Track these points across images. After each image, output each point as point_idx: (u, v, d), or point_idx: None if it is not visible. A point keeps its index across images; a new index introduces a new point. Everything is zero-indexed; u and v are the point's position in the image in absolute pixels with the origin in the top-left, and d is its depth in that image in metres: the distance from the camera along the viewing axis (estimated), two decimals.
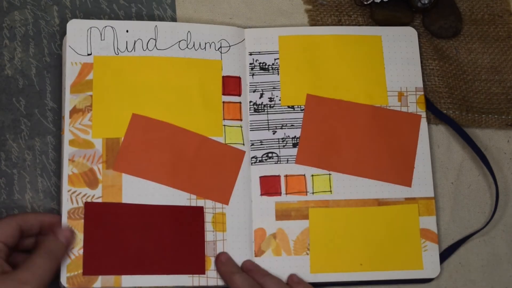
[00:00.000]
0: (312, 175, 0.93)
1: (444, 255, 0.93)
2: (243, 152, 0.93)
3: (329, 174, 0.93)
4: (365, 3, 0.98)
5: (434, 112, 0.96)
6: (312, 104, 0.95)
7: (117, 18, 0.97)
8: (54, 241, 0.84)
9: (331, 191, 0.93)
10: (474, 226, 0.95)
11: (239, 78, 0.95)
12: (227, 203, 0.91)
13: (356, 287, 0.92)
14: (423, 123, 0.95)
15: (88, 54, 0.93)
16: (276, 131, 0.94)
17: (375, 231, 0.92)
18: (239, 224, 0.91)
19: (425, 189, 0.93)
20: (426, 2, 0.97)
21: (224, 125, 0.93)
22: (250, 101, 0.95)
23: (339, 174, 0.93)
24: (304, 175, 0.93)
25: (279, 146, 0.94)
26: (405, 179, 0.93)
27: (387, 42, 0.97)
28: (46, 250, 0.83)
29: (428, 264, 0.91)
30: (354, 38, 0.97)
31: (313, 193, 0.93)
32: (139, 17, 0.98)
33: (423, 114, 0.95)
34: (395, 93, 0.95)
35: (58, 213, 0.90)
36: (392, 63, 0.96)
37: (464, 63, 0.99)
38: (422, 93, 0.95)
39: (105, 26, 0.94)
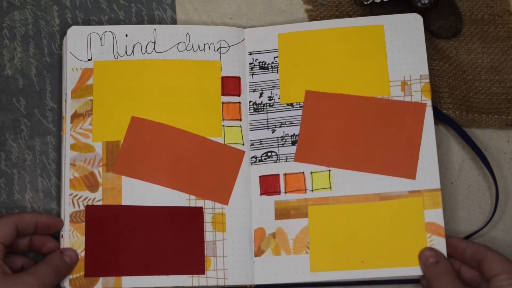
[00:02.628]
0: (311, 172, 0.92)
1: None
2: (243, 152, 0.93)
3: (329, 171, 0.92)
4: (365, 3, 0.98)
5: (434, 112, 0.95)
6: (311, 100, 0.94)
7: (117, 18, 0.97)
8: (60, 258, 0.86)
9: (330, 187, 0.92)
10: (474, 226, 0.95)
11: (238, 78, 0.95)
12: (226, 203, 0.91)
13: (357, 286, 0.92)
14: (429, 112, 0.92)
15: (88, 60, 0.93)
16: (275, 130, 0.94)
17: (377, 227, 0.90)
18: (238, 224, 0.91)
19: (431, 180, 0.91)
20: (426, 2, 0.97)
21: (224, 126, 0.93)
22: (250, 101, 0.95)
23: (339, 170, 0.92)
24: (303, 172, 0.92)
25: (278, 144, 0.93)
26: (409, 172, 0.91)
27: (390, 31, 0.95)
28: (51, 263, 0.85)
29: None
30: (355, 30, 0.95)
31: (312, 190, 0.92)
32: (139, 17, 0.98)
33: (429, 103, 0.93)
34: (398, 83, 0.94)
35: (58, 213, 0.91)
36: (395, 51, 0.94)
37: (464, 63, 0.99)
38: (428, 80, 0.93)
39: (105, 31, 0.94)
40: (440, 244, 0.89)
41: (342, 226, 0.91)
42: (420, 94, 0.93)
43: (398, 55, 0.94)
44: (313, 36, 0.96)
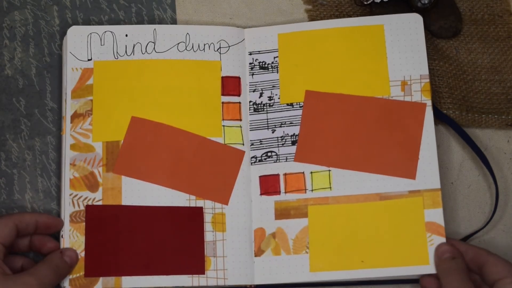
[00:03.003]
0: (311, 172, 0.92)
1: None
2: (243, 152, 0.93)
3: (329, 170, 0.92)
4: (365, 3, 0.98)
5: (434, 112, 0.95)
6: (311, 100, 0.94)
7: (117, 18, 0.97)
8: (60, 258, 0.86)
9: (330, 187, 0.92)
10: (474, 226, 0.95)
11: (238, 78, 0.95)
12: (226, 203, 0.91)
13: (357, 286, 0.92)
14: (429, 112, 0.92)
15: (88, 60, 0.93)
16: (275, 130, 0.94)
17: (377, 227, 0.90)
18: (238, 224, 0.91)
19: (431, 180, 0.91)
20: (426, 2, 0.97)
21: (224, 126, 0.93)
22: (250, 101, 0.95)
23: (339, 169, 0.92)
24: (303, 172, 0.92)
25: (278, 144, 0.93)
26: (409, 172, 0.91)
27: (390, 31, 0.95)
28: (52, 263, 0.85)
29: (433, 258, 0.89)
30: (355, 30, 0.95)
31: (312, 190, 0.92)
32: (139, 17, 0.98)
33: (429, 102, 0.92)
34: (398, 83, 0.93)
35: (58, 213, 0.91)
36: (395, 51, 0.94)
37: (464, 63, 0.99)
38: (428, 80, 0.93)
39: (105, 31, 0.94)
40: (437, 242, 0.89)
41: (342, 226, 0.91)
42: (420, 94, 0.93)
43: (398, 55, 0.94)
44: (313, 36, 0.95)
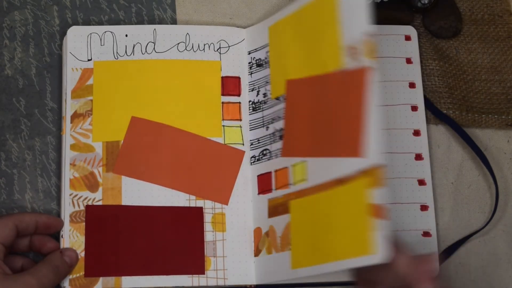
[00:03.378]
0: (293, 165, 0.88)
1: (444, 255, 0.92)
2: (243, 152, 0.93)
3: (305, 161, 0.86)
4: None
5: (434, 112, 0.95)
6: (292, 90, 0.90)
7: (117, 18, 0.97)
8: (60, 258, 0.86)
9: (306, 179, 0.86)
10: (474, 226, 0.95)
11: (238, 78, 0.95)
12: (226, 203, 0.91)
13: (345, 287, 0.90)
14: (373, 76, 0.77)
15: (88, 60, 0.93)
16: (268, 127, 0.93)
17: (334, 217, 0.80)
18: (238, 224, 0.91)
19: (376, 156, 0.76)
20: (426, 2, 0.97)
21: (224, 126, 0.93)
22: (249, 101, 0.94)
23: (312, 159, 0.84)
24: (287, 167, 0.89)
25: (270, 141, 0.92)
26: (354, 149, 0.78)
27: None
28: (52, 263, 0.85)
29: (380, 246, 0.74)
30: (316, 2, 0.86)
31: (294, 184, 0.88)
32: (139, 17, 0.98)
33: (374, 64, 0.76)
34: (348, 51, 0.80)
35: (58, 213, 0.91)
36: (347, 15, 0.80)
37: (464, 63, 0.99)
38: (372, 38, 0.77)
39: (105, 32, 0.94)
40: (382, 228, 0.75)
41: (312, 218, 0.84)
42: (366, 58, 0.78)
43: (351, 15, 0.80)
44: (293, 19, 0.90)
